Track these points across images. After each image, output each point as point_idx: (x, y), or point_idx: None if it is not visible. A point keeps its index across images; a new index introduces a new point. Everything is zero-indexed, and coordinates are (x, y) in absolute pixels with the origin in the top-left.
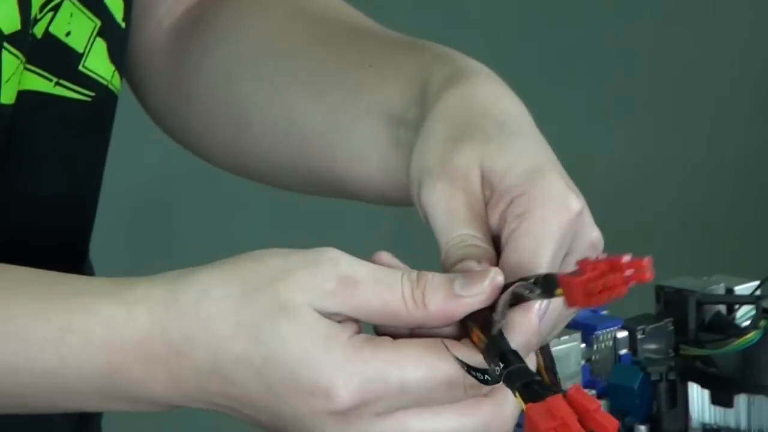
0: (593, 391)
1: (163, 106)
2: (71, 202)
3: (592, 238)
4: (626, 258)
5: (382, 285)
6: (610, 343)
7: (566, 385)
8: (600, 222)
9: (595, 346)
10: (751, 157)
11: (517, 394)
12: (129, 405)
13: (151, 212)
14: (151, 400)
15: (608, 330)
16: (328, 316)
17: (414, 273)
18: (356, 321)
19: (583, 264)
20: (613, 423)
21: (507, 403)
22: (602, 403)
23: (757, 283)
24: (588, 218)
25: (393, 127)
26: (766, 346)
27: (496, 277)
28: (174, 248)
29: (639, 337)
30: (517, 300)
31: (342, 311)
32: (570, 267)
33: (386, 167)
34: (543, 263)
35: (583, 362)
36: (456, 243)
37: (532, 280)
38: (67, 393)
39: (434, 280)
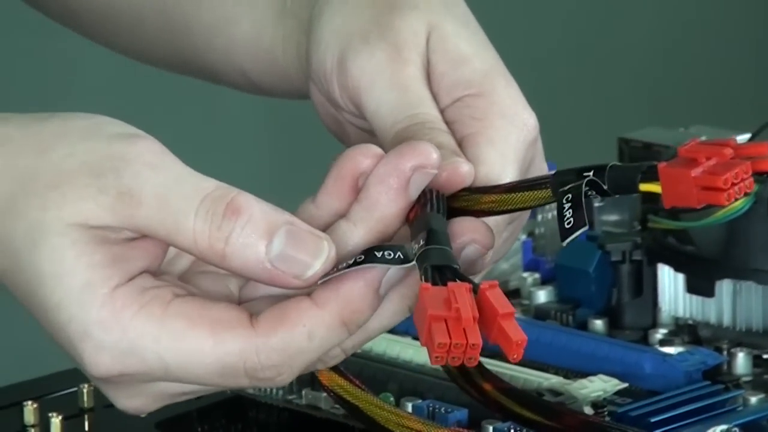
0: (536, 275)
1: None
2: None
3: (542, 170)
4: (734, 142)
5: (169, 212)
6: None
7: (498, 267)
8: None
9: (539, 216)
10: None
11: (423, 274)
12: None
13: None
14: None
15: None
16: (106, 232)
17: (222, 203)
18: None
19: (688, 151)
20: (519, 337)
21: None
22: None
23: (747, 136)
24: (541, 146)
25: None
26: (757, 218)
27: (330, 255)
28: None
29: (596, 205)
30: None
31: (125, 227)
32: None
33: (259, 38)
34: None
35: (523, 237)
36: (419, 122)
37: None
38: None
39: (247, 227)
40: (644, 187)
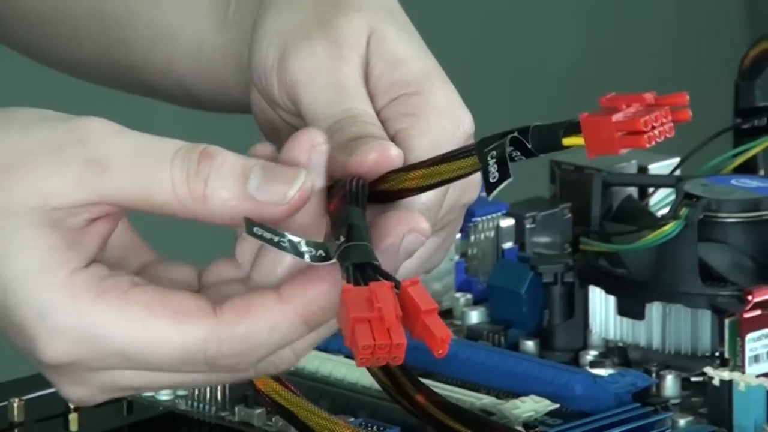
0: (469, 295)
1: None
2: None
3: (475, 179)
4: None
5: (144, 166)
6: (492, 233)
7: (430, 287)
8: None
9: (472, 237)
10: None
11: (345, 273)
12: None
13: None
14: None
15: (489, 216)
16: (64, 215)
17: (195, 151)
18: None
19: (609, 101)
20: (443, 333)
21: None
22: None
23: (677, 160)
24: None
25: (221, 3)
26: (686, 242)
27: (306, 183)
28: None
29: (528, 226)
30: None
31: (94, 200)
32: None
33: (200, 49)
34: None
35: (456, 257)
36: (351, 116)
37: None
38: None
39: (223, 167)
40: (567, 141)
